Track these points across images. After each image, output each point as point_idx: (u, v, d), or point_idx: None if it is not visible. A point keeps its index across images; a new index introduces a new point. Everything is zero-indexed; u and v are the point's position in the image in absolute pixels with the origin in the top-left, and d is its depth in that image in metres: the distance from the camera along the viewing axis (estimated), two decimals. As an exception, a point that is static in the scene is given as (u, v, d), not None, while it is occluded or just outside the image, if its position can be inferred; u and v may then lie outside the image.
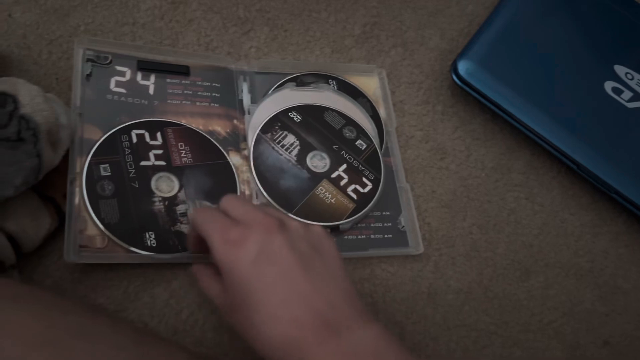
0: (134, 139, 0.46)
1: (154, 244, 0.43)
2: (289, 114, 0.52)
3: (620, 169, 0.54)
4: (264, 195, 0.47)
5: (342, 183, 0.50)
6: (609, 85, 0.57)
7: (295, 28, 0.57)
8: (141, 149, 0.46)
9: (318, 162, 0.51)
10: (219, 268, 0.35)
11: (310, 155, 0.51)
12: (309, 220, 0.47)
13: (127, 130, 0.46)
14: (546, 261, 0.53)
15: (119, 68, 0.49)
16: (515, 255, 0.53)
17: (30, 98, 0.40)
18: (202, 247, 0.37)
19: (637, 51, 0.60)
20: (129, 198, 0.44)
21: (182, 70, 0.51)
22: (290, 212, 0.47)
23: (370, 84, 0.57)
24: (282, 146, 0.50)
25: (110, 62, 0.49)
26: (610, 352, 0.51)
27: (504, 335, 0.49)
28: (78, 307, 0.33)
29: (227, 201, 0.38)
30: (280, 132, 0.51)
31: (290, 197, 0.48)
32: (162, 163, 0.46)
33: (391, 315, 0.47)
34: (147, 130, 0.47)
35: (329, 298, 0.33)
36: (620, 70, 0.58)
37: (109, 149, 0.45)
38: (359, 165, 0.51)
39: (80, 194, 0.43)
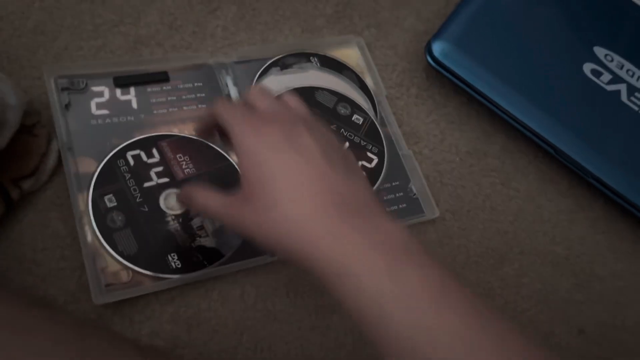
0: (131, 162, 0.44)
1: (178, 265, 0.41)
2: None
3: (598, 153, 0.53)
4: None
5: None
6: (588, 67, 0.56)
7: (264, 7, 0.55)
8: (141, 170, 0.44)
9: None
10: (237, 155, 0.33)
11: None
12: None
13: (121, 154, 0.44)
14: (521, 248, 0.52)
15: (95, 89, 0.46)
16: (490, 242, 0.51)
17: (-28, 77, 0.38)
18: (207, 135, 0.38)
19: (617, 32, 0.58)
20: (142, 224, 0.42)
21: (161, 77, 0.48)
22: None
23: (351, 55, 0.55)
24: None
25: (86, 85, 0.46)
26: (585, 341, 0.49)
27: (477, 325, 0.48)
28: (12, 298, 0.31)
29: (253, 93, 0.37)
30: None
31: None
32: (166, 180, 0.44)
33: (360, 304, 0.46)
34: (141, 149, 0.45)
35: (355, 189, 0.32)
36: (599, 52, 0.57)
37: (109, 178, 0.43)
38: (360, 141, 0.50)
39: (91, 232, 0.41)
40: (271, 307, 0.44)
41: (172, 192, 0.44)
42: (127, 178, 0.43)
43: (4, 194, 0.40)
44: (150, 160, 0.45)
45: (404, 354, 0.27)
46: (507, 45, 0.55)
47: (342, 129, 0.50)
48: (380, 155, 0.50)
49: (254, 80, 0.51)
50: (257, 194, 0.31)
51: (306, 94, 0.51)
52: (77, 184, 0.42)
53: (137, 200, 0.43)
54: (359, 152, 0.50)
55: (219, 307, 0.43)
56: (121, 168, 0.44)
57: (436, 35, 0.55)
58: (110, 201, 0.42)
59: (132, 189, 0.43)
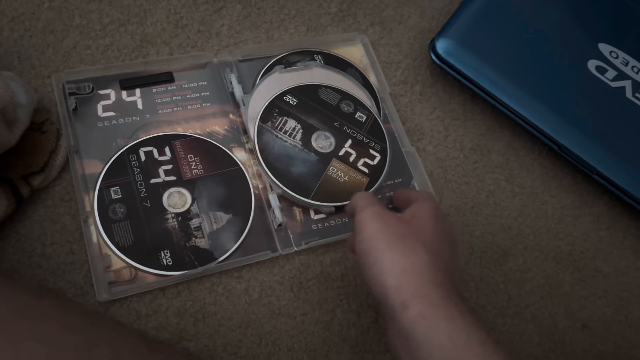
0: (142, 157, 0.45)
1: (169, 262, 0.42)
2: (284, 97, 0.50)
3: (602, 149, 0.53)
4: (278, 186, 0.46)
5: (351, 159, 0.50)
6: (592, 64, 0.56)
7: (269, 5, 0.56)
8: (150, 167, 0.45)
9: (323, 142, 0.50)
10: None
11: (314, 136, 0.49)
12: (327, 202, 0.47)
13: (134, 149, 0.45)
14: (525, 244, 0.52)
15: (102, 92, 0.47)
16: (494, 238, 0.51)
17: (-18, 75, 0.39)
18: None
19: (622, 29, 0.58)
20: (142, 218, 0.43)
21: (166, 78, 0.49)
22: (308, 197, 0.47)
23: (355, 52, 0.56)
24: (285, 132, 0.49)
25: (92, 89, 0.47)
26: (589, 336, 0.49)
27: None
28: (25, 288, 0.32)
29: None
30: (280, 118, 0.49)
31: (304, 182, 0.47)
32: (173, 178, 0.45)
33: (363, 299, 0.46)
34: (155, 147, 0.46)
35: (446, 279, 0.35)
36: (604, 48, 0.57)
37: (118, 171, 0.44)
38: (363, 138, 0.51)
39: (97, 232, 0.42)
40: (275, 301, 0.44)
41: (175, 190, 0.45)
42: (135, 172, 0.44)
43: (14, 190, 0.41)
44: (162, 158, 0.46)
45: None
46: (511, 42, 0.55)
47: (345, 127, 0.51)
48: (383, 153, 0.51)
49: (258, 78, 0.51)
50: (365, 259, 0.36)
51: (310, 91, 0.51)
52: (84, 185, 0.43)
53: (142, 194, 0.44)
54: (362, 149, 0.50)
55: (224, 302, 0.43)
56: (132, 162, 0.45)
57: (440, 33, 0.55)
58: (115, 193, 0.43)
59: (138, 183, 0.44)
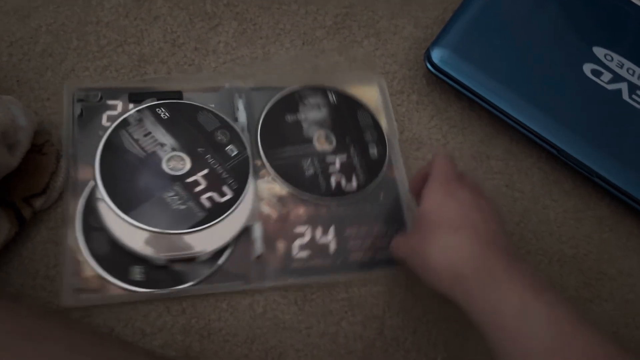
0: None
1: (141, 278, 0.42)
2: (157, 110, 0.48)
3: (601, 152, 0.53)
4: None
5: (197, 189, 0.46)
6: (588, 68, 0.56)
7: (264, 21, 0.56)
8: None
9: (176, 163, 0.46)
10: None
11: (168, 156, 0.46)
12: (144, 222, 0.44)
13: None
14: (528, 249, 0.52)
15: (110, 102, 0.48)
16: (496, 244, 0.51)
17: (-18, 100, 0.39)
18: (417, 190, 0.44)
19: (616, 32, 0.59)
20: None
21: (175, 96, 0.49)
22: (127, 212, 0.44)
23: (370, 93, 0.55)
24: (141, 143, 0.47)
25: (101, 98, 0.47)
26: (596, 340, 0.49)
27: (486, 327, 0.48)
28: (31, 310, 0.32)
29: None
30: (143, 128, 0.47)
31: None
32: None
33: (368, 309, 0.46)
34: None
35: (497, 235, 0.38)
36: (599, 51, 0.57)
37: None
38: (222, 172, 0.47)
39: (73, 237, 0.42)
40: (280, 315, 0.44)
41: None
42: None
43: (16, 212, 0.42)
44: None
45: None
46: (506, 49, 0.56)
47: (209, 155, 0.48)
48: (238, 193, 0.47)
49: (266, 108, 0.51)
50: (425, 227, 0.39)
51: (189, 111, 0.49)
52: (74, 190, 0.43)
53: None
54: (215, 183, 0.47)
55: (229, 317, 0.43)
56: None
57: (435, 43, 0.55)
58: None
59: None
